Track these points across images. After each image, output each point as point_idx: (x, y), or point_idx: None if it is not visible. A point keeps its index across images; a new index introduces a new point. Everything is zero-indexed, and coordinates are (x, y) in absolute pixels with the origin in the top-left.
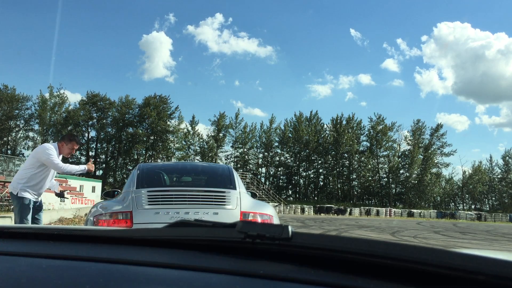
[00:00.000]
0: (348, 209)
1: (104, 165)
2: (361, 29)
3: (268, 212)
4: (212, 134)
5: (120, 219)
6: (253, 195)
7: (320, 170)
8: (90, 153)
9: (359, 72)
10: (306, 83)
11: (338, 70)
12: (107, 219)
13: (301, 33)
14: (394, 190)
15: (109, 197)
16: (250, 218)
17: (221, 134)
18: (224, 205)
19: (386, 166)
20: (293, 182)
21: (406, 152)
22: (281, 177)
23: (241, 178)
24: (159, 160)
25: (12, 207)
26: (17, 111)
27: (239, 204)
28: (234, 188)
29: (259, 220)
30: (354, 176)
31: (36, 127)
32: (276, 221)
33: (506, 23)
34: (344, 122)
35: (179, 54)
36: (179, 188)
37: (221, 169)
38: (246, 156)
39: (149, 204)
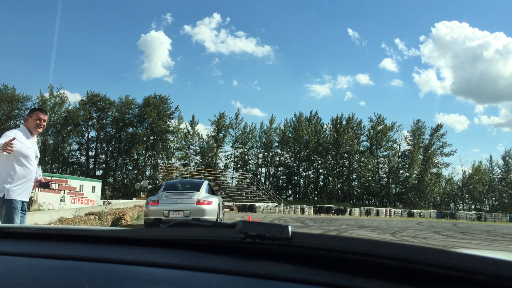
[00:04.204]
0: (348, 209)
1: (104, 165)
2: (359, 29)
3: (211, 200)
4: (212, 134)
5: (155, 202)
6: (214, 193)
7: (320, 170)
8: (90, 153)
9: (357, 72)
10: (304, 83)
11: (336, 70)
12: (151, 202)
13: (299, 32)
14: (394, 190)
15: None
16: (201, 202)
17: (221, 134)
18: (192, 197)
19: (386, 166)
20: (293, 182)
21: (406, 152)
22: (281, 177)
23: (241, 178)
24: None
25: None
26: (17, 111)
27: (199, 197)
28: (198, 190)
29: (205, 203)
30: (354, 176)
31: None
32: (214, 206)
33: (504, 22)
34: (344, 122)
35: (178, 54)
36: (176, 191)
37: (198, 182)
38: (246, 156)
39: (165, 197)
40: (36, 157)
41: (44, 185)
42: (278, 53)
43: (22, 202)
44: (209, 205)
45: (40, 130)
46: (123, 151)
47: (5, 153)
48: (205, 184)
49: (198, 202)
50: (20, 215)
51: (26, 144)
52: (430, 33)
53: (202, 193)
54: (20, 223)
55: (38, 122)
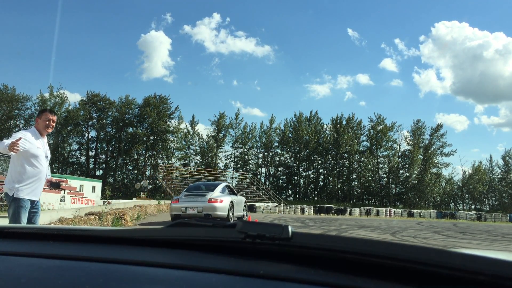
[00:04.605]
0: (348, 209)
1: (104, 165)
2: (359, 29)
3: (222, 199)
4: (212, 134)
5: (176, 201)
6: (233, 194)
7: (320, 170)
8: (90, 153)
9: (357, 72)
10: (304, 83)
11: (336, 70)
12: (173, 201)
13: (299, 32)
14: (394, 190)
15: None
16: (212, 200)
17: (221, 134)
18: (206, 196)
19: (386, 166)
20: (293, 182)
21: (406, 152)
22: (281, 177)
23: (241, 178)
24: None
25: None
26: (17, 111)
27: (211, 196)
28: (213, 191)
29: (217, 201)
30: (354, 176)
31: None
32: (225, 203)
33: (504, 22)
34: (344, 122)
35: (178, 54)
36: (194, 191)
37: (215, 183)
38: (246, 156)
39: (184, 196)
40: (46, 157)
41: (55, 185)
42: (278, 53)
43: (34, 201)
44: (220, 203)
45: (50, 130)
46: (123, 151)
47: (12, 153)
48: (221, 185)
49: (210, 200)
50: (32, 213)
51: (35, 144)
52: (430, 33)
53: (216, 193)
54: (33, 222)
55: (47, 122)
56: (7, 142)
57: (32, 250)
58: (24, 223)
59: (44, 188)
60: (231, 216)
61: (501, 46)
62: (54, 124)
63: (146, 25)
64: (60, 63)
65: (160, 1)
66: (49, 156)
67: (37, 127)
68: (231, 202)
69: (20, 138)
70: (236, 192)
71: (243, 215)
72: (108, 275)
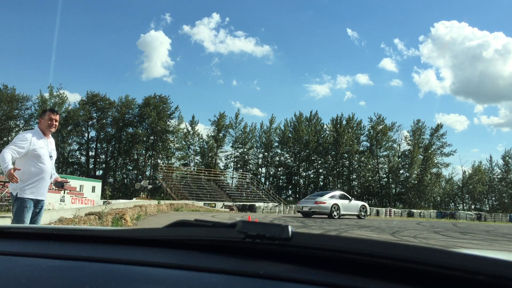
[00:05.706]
0: None
1: (104, 165)
2: (358, 29)
3: (325, 201)
4: (212, 134)
5: (299, 202)
6: (346, 199)
7: (320, 170)
8: (90, 153)
9: (356, 72)
10: (304, 83)
11: (335, 70)
12: (298, 202)
13: (298, 32)
14: (394, 190)
15: None
16: (317, 202)
17: (221, 134)
18: (315, 199)
19: (386, 166)
20: (293, 182)
21: (406, 152)
22: (281, 177)
23: (241, 178)
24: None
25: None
26: (17, 111)
27: (317, 199)
28: (322, 196)
29: (321, 202)
30: (354, 176)
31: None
32: (327, 204)
33: (504, 22)
34: (344, 122)
35: (177, 53)
36: (310, 196)
37: (328, 192)
38: (246, 156)
39: (303, 199)
40: (51, 156)
41: (59, 185)
42: (278, 53)
43: (39, 200)
44: (322, 204)
45: (53, 129)
46: (123, 151)
47: (17, 156)
48: (332, 192)
49: (316, 202)
50: (35, 213)
51: (38, 144)
52: (429, 33)
53: (324, 197)
54: (34, 222)
55: (50, 122)
56: (6, 164)
57: (32, 250)
58: (27, 222)
59: (49, 189)
60: (334, 213)
61: (500, 46)
62: (57, 124)
63: (146, 25)
64: (60, 63)
65: (159, 1)
66: (54, 156)
67: (40, 127)
68: (336, 204)
69: (18, 169)
70: (350, 198)
71: (359, 214)
72: (108, 275)
